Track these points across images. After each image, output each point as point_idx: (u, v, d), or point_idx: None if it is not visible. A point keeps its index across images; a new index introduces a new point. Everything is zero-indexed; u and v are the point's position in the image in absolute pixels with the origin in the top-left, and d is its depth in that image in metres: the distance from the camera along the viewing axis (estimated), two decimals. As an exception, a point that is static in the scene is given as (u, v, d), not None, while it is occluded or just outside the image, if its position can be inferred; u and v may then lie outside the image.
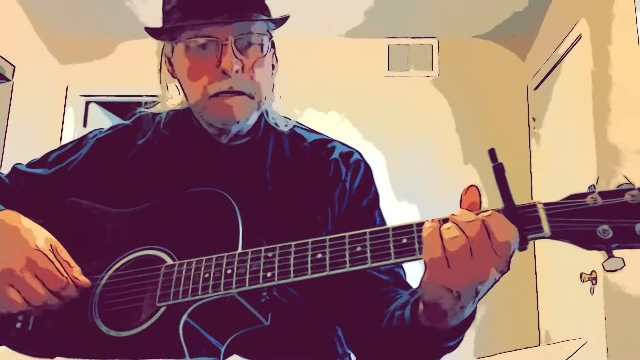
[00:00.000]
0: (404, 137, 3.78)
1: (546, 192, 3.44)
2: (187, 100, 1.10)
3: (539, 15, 3.53)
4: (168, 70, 1.11)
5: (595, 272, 2.68)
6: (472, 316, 0.83)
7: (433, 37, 3.94)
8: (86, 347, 0.89)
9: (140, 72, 4.12)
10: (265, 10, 1.08)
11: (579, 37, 2.98)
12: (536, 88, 3.65)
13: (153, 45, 1.14)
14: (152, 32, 1.07)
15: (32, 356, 0.88)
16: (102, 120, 4.09)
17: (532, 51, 3.75)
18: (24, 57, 3.61)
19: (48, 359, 0.83)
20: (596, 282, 2.68)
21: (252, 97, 1.04)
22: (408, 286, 1.03)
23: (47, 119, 3.88)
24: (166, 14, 1.08)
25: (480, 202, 0.77)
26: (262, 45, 1.05)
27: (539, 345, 3.15)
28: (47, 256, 0.92)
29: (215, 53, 1.01)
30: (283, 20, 1.08)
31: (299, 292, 1.01)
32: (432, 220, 0.77)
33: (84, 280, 0.94)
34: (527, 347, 0.90)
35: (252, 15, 1.04)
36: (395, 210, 3.60)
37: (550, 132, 3.47)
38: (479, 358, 1.07)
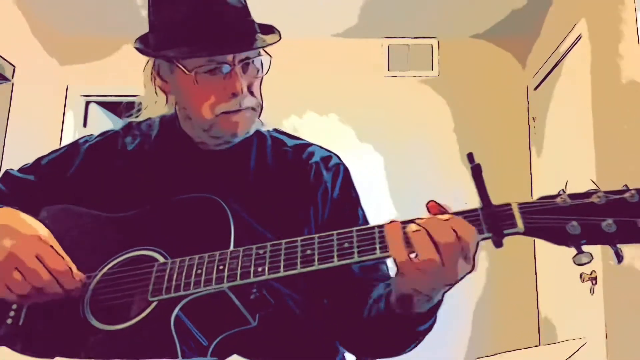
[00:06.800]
0: (403, 137, 3.78)
1: (546, 192, 3.44)
2: (187, 115, 1.13)
3: (539, 15, 3.53)
4: (160, 87, 1.15)
5: (595, 272, 2.68)
6: (441, 300, 0.91)
7: (433, 37, 3.94)
8: (76, 343, 0.90)
9: (141, 72, 4.13)
10: (266, 29, 1.13)
11: (579, 37, 2.98)
12: (536, 88, 3.65)
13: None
14: (154, 54, 1.12)
15: (20, 352, 0.89)
16: (102, 120, 4.10)
17: (532, 51, 3.75)
18: (24, 57, 3.61)
19: (41, 358, 0.83)
20: (596, 282, 2.68)
21: (255, 110, 1.11)
22: (389, 277, 1.08)
23: (47, 119, 3.88)
24: (157, 28, 1.14)
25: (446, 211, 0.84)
26: (262, 64, 1.11)
27: (539, 345, 3.15)
28: (48, 243, 0.95)
29: (222, 76, 1.05)
30: (276, 41, 1.13)
31: (299, 295, 1.04)
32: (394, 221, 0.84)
33: (79, 274, 0.95)
34: (527, 347, 0.91)
35: (255, 37, 1.09)
36: (394, 211, 3.61)
37: (550, 132, 3.47)
38: (479, 358, 1.07)
